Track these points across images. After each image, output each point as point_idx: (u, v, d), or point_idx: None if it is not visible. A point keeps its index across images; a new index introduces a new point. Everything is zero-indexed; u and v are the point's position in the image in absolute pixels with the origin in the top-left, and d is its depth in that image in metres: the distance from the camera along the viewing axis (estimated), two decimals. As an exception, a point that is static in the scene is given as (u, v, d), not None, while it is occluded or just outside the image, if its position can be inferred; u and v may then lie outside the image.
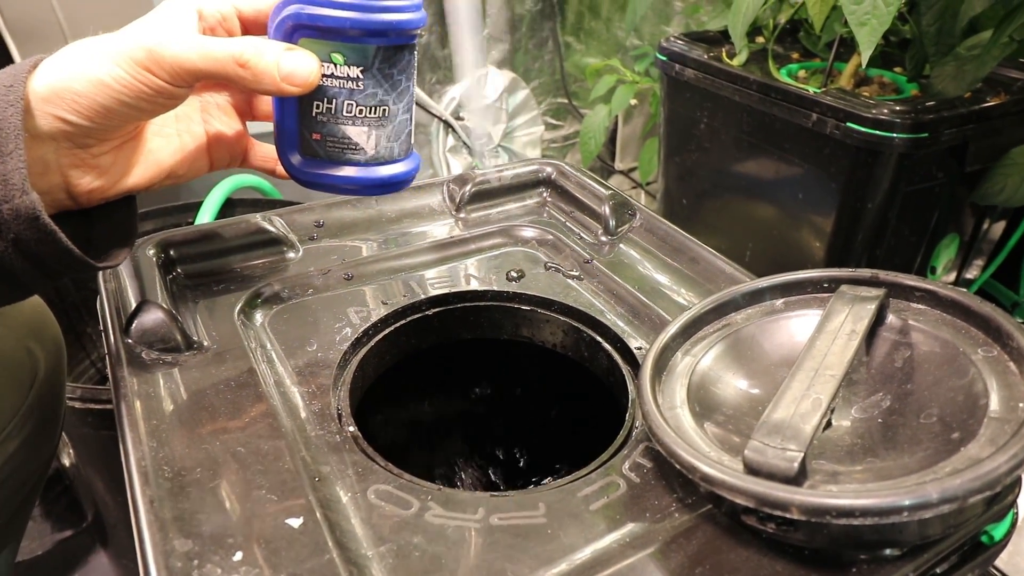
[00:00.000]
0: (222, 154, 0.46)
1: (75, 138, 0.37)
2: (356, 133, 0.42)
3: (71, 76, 0.35)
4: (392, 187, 0.45)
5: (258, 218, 0.60)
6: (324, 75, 0.40)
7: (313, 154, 0.43)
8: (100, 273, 0.54)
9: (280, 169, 0.45)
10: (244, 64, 0.37)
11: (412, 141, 0.45)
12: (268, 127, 0.46)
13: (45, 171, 0.37)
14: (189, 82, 0.37)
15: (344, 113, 0.41)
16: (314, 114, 0.42)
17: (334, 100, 0.41)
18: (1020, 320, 1.16)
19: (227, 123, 0.46)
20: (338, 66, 0.40)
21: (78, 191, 0.39)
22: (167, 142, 0.43)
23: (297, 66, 0.39)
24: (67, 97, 0.35)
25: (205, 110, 0.45)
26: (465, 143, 1.41)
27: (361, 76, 0.40)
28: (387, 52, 0.40)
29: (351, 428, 0.44)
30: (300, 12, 0.39)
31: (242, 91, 0.46)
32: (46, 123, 0.35)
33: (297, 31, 0.40)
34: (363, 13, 0.39)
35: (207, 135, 0.45)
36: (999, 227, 1.12)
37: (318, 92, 0.41)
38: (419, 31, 0.42)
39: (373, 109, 0.42)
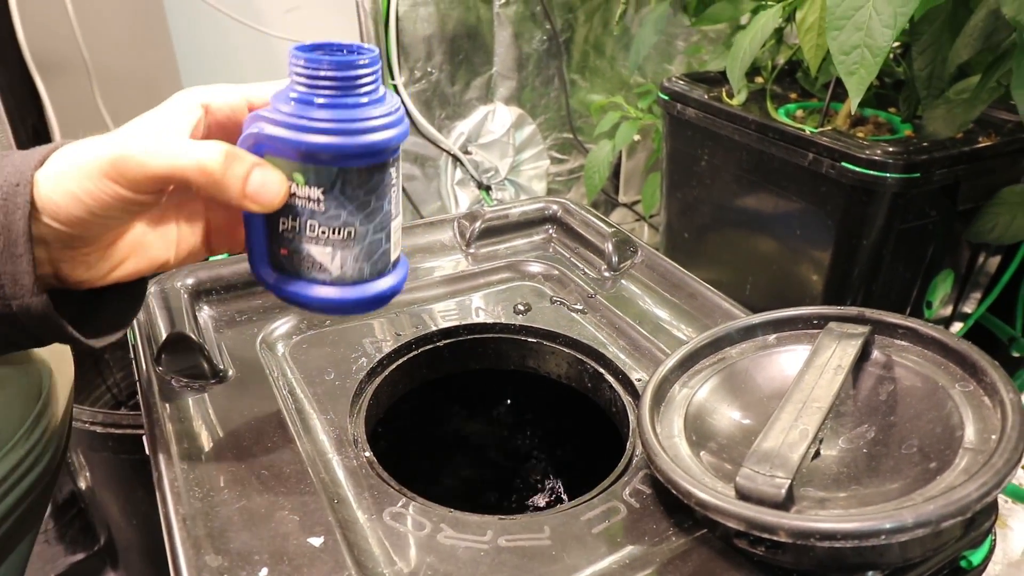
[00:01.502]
0: (221, 242, 0.44)
1: (64, 241, 0.37)
2: (320, 253, 0.40)
3: (53, 187, 0.35)
4: (360, 309, 0.42)
5: (278, 252, 0.63)
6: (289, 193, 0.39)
7: (282, 268, 0.41)
8: None
9: None
10: (208, 173, 0.36)
11: (392, 257, 0.42)
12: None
13: (39, 265, 0.36)
14: (153, 189, 0.36)
15: (307, 233, 0.39)
16: (280, 230, 0.40)
17: (298, 218, 0.39)
18: (1017, 355, 1.18)
19: (230, 212, 0.43)
20: (299, 186, 0.38)
21: (68, 281, 0.39)
22: (162, 235, 0.41)
23: (263, 185, 0.37)
24: (51, 207, 0.35)
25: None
26: (472, 176, 1.44)
27: (323, 198, 0.38)
28: (349, 175, 0.38)
29: (367, 453, 0.47)
30: (260, 131, 0.37)
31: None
32: (41, 227, 0.36)
33: (259, 146, 0.38)
34: (320, 136, 0.36)
35: (207, 225, 0.43)
36: (994, 262, 1.14)
37: (284, 209, 0.39)
38: (393, 149, 0.39)
39: (337, 231, 0.39)
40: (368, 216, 0.39)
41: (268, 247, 0.41)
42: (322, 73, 0.36)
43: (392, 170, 0.40)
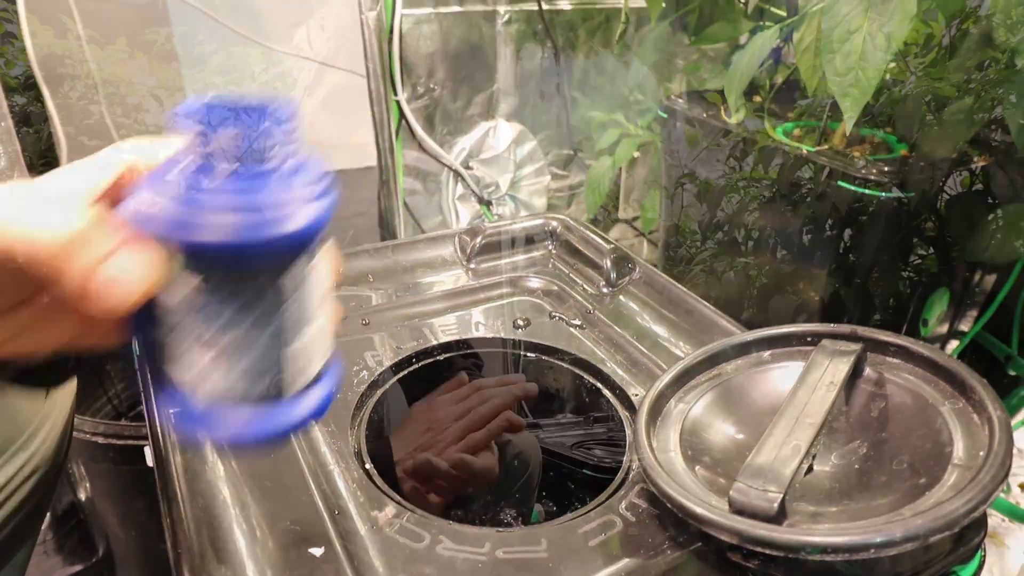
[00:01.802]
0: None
1: None
2: (202, 359, 0.30)
3: None
4: (239, 442, 0.31)
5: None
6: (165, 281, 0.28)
7: (162, 372, 0.31)
8: None
9: None
10: (45, 261, 0.26)
11: (296, 378, 0.31)
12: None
13: None
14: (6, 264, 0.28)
15: (184, 334, 0.29)
16: (166, 325, 0.30)
17: (178, 314, 0.29)
18: (1013, 373, 1.18)
19: None
20: (175, 272, 0.28)
21: None
22: (42, 318, 0.31)
23: (111, 283, 0.27)
24: None
25: None
26: (473, 191, 1.46)
27: (203, 287, 0.28)
28: (237, 266, 0.28)
29: (368, 465, 0.48)
30: (134, 205, 0.28)
31: None
32: None
33: (133, 222, 0.28)
34: (203, 216, 0.26)
35: None
36: (990, 280, 1.15)
37: (168, 299, 0.29)
38: (308, 236, 0.28)
39: (222, 331, 0.29)
40: (263, 317, 0.29)
41: (157, 345, 0.31)
42: (214, 139, 0.27)
43: (302, 261, 0.29)
